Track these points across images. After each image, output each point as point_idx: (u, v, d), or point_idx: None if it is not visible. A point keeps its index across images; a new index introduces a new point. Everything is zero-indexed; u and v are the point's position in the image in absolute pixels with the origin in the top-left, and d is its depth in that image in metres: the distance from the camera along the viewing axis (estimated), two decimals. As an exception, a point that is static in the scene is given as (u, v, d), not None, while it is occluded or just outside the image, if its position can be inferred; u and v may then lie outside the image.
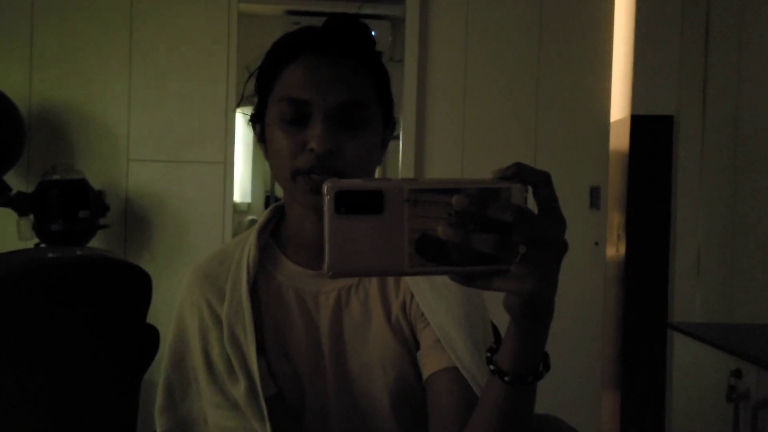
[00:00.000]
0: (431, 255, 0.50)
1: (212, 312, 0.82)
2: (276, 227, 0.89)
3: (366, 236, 0.49)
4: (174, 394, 0.84)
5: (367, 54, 0.80)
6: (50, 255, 1.51)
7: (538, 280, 0.51)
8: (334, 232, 0.49)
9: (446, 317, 0.79)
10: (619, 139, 2.78)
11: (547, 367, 0.61)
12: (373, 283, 0.83)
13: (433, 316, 0.79)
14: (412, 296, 0.82)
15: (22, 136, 2.25)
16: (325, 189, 0.49)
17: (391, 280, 0.84)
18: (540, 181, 0.53)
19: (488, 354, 0.62)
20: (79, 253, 1.62)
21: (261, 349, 0.81)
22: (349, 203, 0.49)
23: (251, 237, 0.86)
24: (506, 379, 0.60)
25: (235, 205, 2.68)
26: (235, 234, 2.59)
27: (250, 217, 3.66)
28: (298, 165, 0.75)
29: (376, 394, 0.80)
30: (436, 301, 0.80)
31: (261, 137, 0.84)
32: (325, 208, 0.49)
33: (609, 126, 2.65)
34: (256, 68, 0.83)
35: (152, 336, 1.61)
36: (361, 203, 0.49)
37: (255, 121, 0.84)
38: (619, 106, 2.81)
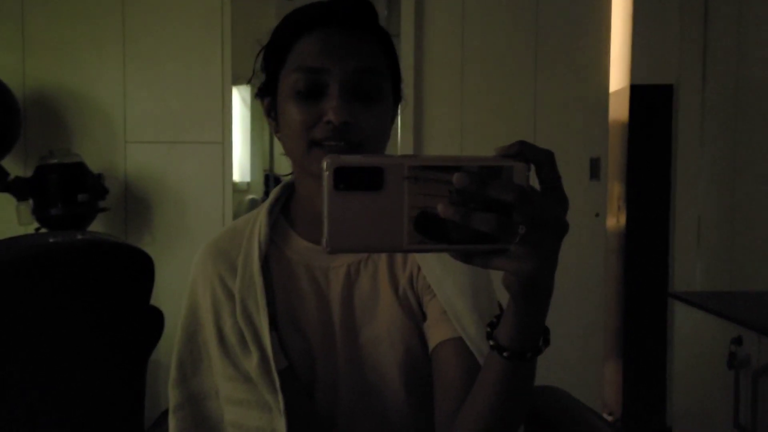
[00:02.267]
0: (430, 233, 0.50)
1: (225, 287, 0.83)
2: (285, 205, 0.90)
3: (365, 213, 0.49)
4: (186, 368, 0.85)
5: (377, 27, 0.81)
6: (51, 240, 1.51)
7: (537, 260, 0.51)
8: (332, 208, 0.49)
9: (452, 289, 0.79)
10: (619, 109, 2.76)
11: (547, 342, 0.61)
12: (382, 257, 0.84)
13: (439, 288, 0.80)
14: (419, 269, 0.82)
15: (18, 121, 2.24)
16: (324, 165, 0.49)
17: (398, 254, 0.84)
18: (543, 160, 0.52)
19: (488, 329, 0.63)
20: (80, 237, 1.62)
21: (273, 324, 0.82)
22: (349, 179, 0.49)
23: (261, 214, 0.86)
24: (505, 354, 0.60)
25: (235, 185, 2.68)
26: (235, 213, 2.59)
27: (250, 196, 3.66)
28: (314, 137, 0.75)
29: (385, 366, 0.81)
30: (442, 273, 0.80)
31: (269, 111, 0.83)
32: (324, 183, 0.49)
33: (608, 96, 2.64)
34: (263, 45, 0.83)
35: (156, 317, 1.62)
36: (361, 179, 0.49)
37: (263, 95, 0.84)
38: (618, 76, 2.78)
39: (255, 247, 0.84)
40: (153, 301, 1.63)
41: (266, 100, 0.83)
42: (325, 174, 0.49)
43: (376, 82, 0.77)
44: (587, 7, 2.59)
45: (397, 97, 0.85)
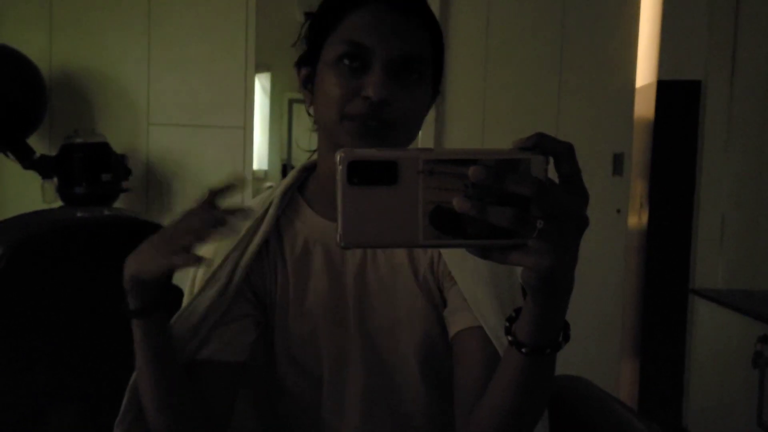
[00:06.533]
0: (446, 227, 0.49)
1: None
2: (302, 185, 0.90)
3: (379, 207, 0.48)
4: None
5: (429, 14, 0.80)
6: (79, 214, 1.52)
7: (555, 255, 0.49)
8: (346, 203, 0.48)
9: (473, 277, 0.79)
10: (645, 105, 2.72)
11: (567, 338, 0.60)
12: None
13: (459, 276, 0.79)
14: (440, 255, 0.82)
15: (44, 99, 2.27)
16: (337, 159, 0.48)
17: None
18: (562, 153, 0.50)
19: (506, 324, 0.62)
20: (106, 213, 1.64)
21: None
22: (363, 173, 0.48)
23: (275, 194, 0.87)
24: (523, 350, 0.59)
25: (252, 172, 2.69)
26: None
27: (267, 184, 3.68)
28: (348, 110, 0.75)
29: (402, 350, 0.81)
30: (463, 260, 0.80)
31: (305, 83, 0.83)
32: (338, 178, 0.48)
33: (634, 92, 2.59)
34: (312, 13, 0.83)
35: (176, 295, 1.64)
36: (375, 174, 0.48)
37: (302, 64, 0.83)
38: (645, 72, 2.73)
39: (266, 222, 0.84)
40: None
41: (304, 69, 0.83)
42: (339, 168, 0.48)
43: (418, 68, 0.76)
44: (615, 1, 2.55)
45: (435, 90, 0.84)
